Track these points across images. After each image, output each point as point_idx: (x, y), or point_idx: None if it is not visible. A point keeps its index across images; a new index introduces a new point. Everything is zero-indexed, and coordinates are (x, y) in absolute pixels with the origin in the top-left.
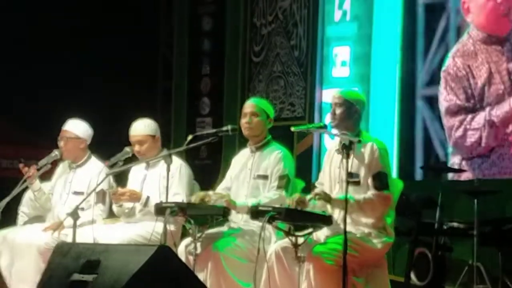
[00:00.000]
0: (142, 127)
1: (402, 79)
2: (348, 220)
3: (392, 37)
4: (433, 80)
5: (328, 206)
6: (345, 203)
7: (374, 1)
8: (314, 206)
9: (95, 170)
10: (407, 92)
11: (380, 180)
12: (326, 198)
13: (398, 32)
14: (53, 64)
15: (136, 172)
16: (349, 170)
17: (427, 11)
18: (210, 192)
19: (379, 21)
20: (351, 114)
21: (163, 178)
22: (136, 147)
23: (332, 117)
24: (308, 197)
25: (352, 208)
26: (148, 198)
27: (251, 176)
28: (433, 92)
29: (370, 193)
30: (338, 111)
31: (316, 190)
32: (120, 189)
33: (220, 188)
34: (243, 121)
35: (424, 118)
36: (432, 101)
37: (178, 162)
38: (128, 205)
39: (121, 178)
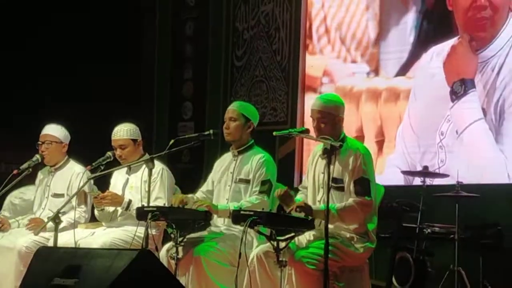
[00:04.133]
0: (123, 131)
1: None
2: (331, 225)
3: None
4: None
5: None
6: (326, 212)
7: None
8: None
9: (74, 172)
10: None
11: (362, 185)
12: (308, 210)
13: None
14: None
15: (118, 176)
16: (332, 175)
17: None
18: (190, 195)
19: None
20: (335, 123)
21: (145, 183)
22: (118, 151)
23: (318, 132)
24: (289, 210)
25: (334, 218)
26: (130, 202)
27: (233, 180)
28: None
29: (351, 199)
30: (323, 125)
31: (298, 203)
32: (101, 193)
33: (202, 191)
34: (223, 126)
35: None
36: None
37: (159, 167)
38: (109, 209)
39: (102, 183)
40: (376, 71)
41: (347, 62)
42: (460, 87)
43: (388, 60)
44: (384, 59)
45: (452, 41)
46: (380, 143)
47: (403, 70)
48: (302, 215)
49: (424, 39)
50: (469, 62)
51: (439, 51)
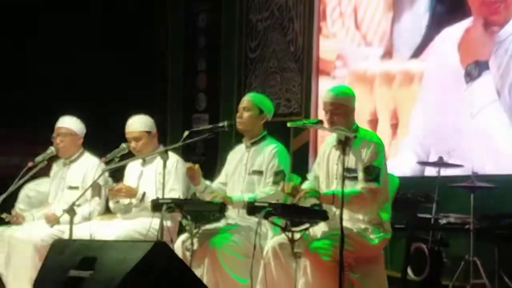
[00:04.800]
0: (137, 124)
1: None
2: (345, 216)
3: None
4: None
5: None
6: (334, 198)
7: None
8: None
9: (89, 164)
10: None
11: (370, 172)
12: (315, 194)
13: None
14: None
15: (132, 168)
16: (347, 165)
17: None
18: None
19: None
20: (348, 114)
21: (159, 174)
22: (132, 144)
23: (331, 124)
24: (297, 198)
25: (340, 203)
26: (144, 194)
27: (246, 171)
28: None
29: (359, 186)
30: (336, 117)
31: (304, 187)
32: (116, 185)
33: (216, 183)
34: (236, 115)
35: None
36: None
37: (174, 158)
38: (124, 201)
39: (117, 175)
40: (389, 54)
41: (361, 46)
42: (474, 69)
43: (402, 43)
44: (397, 42)
45: (466, 23)
46: (394, 127)
47: (417, 53)
48: (310, 202)
49: (438, 22)
50: (483, 44)
51: (453, 33)
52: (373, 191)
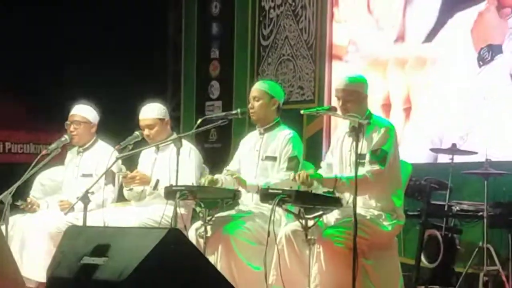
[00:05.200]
0: (151, 111)
1: None
2: (359, 203)
3: None
4: None
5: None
6: (337, 183)
7: None
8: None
9: (102, 152)
10: None
11: (377, 155)
12: (318, 177)
13: None
14: (62, 50)
15: (146, 156)
16: (360, 152)
17: None
18: (219, 176)
19: None
20: (360, 101)
21: (173, 162)
22: (146, 131)
23: (344, 111)
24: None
25: (344, 186)
26: (158, 181)
27: (260, 157)
28: None
29: (364, 169)
30: (349, 104)
31: (308, 171)
32: (130, 173)
33: (228, 169)
34: (248, 106)
35: None
36: None
37: (187, 146)
38: (138, 188)
39: (130, 162)
40: (402, 38)
41: (373, 30)
42: (487, 53)
43: (415, 28)
44: (410, 27)
45: (479, 7)
46: (407, 111)
47: (430, 37)
48: (323, 189)
49: (450, 6)
50: (496, 28)
51: (466, 17)
52: (377, 173)
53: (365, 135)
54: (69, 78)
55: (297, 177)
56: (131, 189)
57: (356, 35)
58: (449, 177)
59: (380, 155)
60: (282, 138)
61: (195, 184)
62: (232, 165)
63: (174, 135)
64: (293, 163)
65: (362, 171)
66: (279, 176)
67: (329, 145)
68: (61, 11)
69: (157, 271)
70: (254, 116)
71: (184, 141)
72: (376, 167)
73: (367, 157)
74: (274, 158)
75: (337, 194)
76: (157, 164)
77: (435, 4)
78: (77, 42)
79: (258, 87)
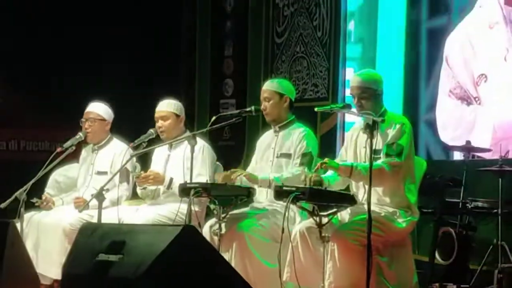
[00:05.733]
0: (168, 104)
1: (405, 104)
2: (373, 200)
3: (395, 61)
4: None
5: (353, 185)
6: (352, 170)
7: (378, 24)
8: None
9: (117, 150)
10: (410, 116)
11: (393, 148)
12: (333, 165)
13: (401, 56)
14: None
15: (160, 153)
16: (374, 149)
17: (430, 36)
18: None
19: (383, 44)
20: (375, 97)
21: (187, 159)
22: (159, 123)
23: (359, 108)
24: (313, 170)
25: (360, 174)
26: (171, 180)
27: (275, 155)
28: (435, 116)
29: (381, 160)
30: (363, 100)
31: (322, 161)
32: (144, 173)
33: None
34: (261, 108)
35: (427, 143)
36: (434, 126)
37: (201, 143)
38: (151, 187)
39: (144, 159)
40: None
41: None
42: None
43: None
44: None
45: None
46: None
47: None
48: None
49: None
50: None
51: None
52: (394, 165)
53: (380, 131)
54: (83, 76)
55: (307, 181)
56: (144, 188)
57: None
58: (464, 174)
59: (396, 149)
60: (296, 136)
61: (209, 182)
62: (251, 168)
63: (188, 133)
64: (306, 159)
65: (379, 162)
66: (291, 171)
67: (343, 142)
68: (76, 9)
69: (173, 268)
70: (268, 116)
71: (197, 139)
72: (394, 159)
73: (384, 149)
74: (288, 155)
75: (353, 190)
76: (170, 162)
77: None
78: (92, 40)
79: (267, 88)
